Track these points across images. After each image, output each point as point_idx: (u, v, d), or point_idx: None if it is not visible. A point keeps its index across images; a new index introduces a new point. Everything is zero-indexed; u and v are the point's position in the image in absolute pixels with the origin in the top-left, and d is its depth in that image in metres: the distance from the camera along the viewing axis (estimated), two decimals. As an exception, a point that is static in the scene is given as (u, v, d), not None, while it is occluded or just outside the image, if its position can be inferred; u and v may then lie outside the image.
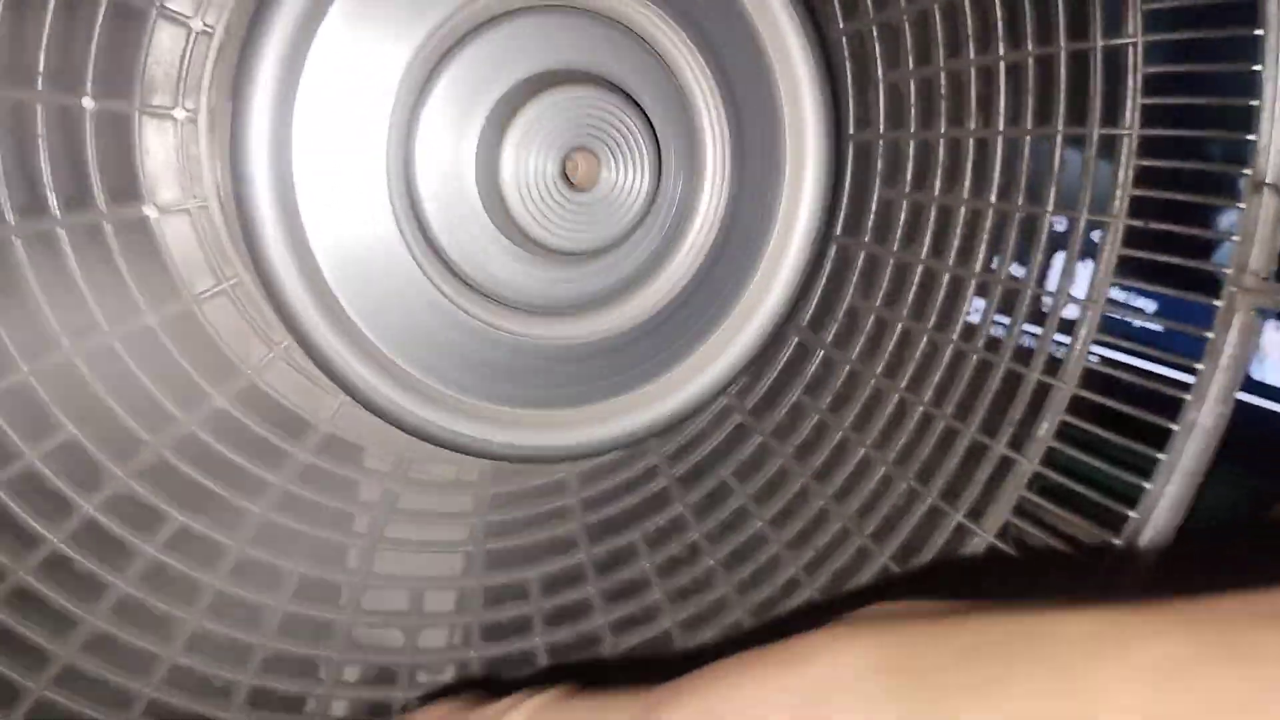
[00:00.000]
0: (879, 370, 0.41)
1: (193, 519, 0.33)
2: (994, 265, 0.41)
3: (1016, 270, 0.41)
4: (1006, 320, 0.41)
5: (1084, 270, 0.42)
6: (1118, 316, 0.42)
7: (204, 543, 0.33)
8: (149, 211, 0.30)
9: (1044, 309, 0.42)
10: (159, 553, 0.33)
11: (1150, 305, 0.48)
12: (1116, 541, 0.40)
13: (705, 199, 0.32)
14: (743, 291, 0.33)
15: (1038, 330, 0.41)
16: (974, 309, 0.41)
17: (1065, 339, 0.41)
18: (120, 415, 0.31)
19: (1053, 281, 0.41)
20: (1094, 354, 0.41)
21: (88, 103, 0.29)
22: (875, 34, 0.38)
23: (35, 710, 0.32)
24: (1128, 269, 0.41)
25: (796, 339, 0.40)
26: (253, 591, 0.35)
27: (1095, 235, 0.41)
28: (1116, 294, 0.42)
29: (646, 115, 0.29)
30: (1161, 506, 0.40)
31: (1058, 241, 0.41)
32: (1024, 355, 0.41)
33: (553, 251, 0.29)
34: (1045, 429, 0.41)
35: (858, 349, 0.40)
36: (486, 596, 0.39)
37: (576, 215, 0.29)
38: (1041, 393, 0.41)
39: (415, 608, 0.38)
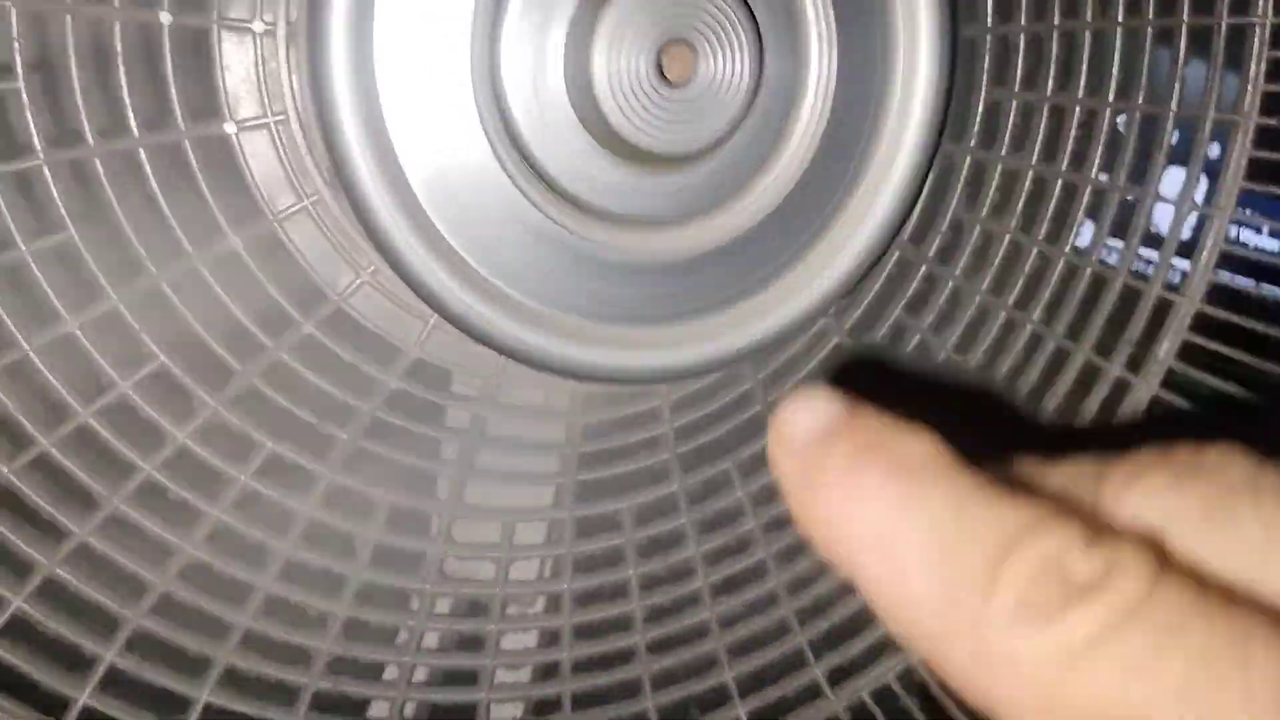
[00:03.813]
0: (985, 286, 0.38)
1: (283, 446, 0.32)
2: (1108, 176, 0.38)
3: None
4: (1120, 244, 0.38)
5: (1206, 184, 0.39)
6: (1245, 226, 0.39)
7: (295, 471, 0.33)
8: (229, 129, 0.29)
9: (1159, 231, 0.39)
10: (251, 480, 0.32)
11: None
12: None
13: (811, 92, 0.30)
14: (851, 197, 0.31)
15: (1154, 254, 0.38)
16: (1085, 229, 0.39)
17: (1186, 259, 0.39)
18: (210, 344, 0.31)
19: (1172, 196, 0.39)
20: (1219, 270, 0.38)
21: (165, 17, 0.28)
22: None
23: (134, 639, 0.32)
24: (1255, 177, 0.38)
25: (897, 253, 0.38)
26: (344, 520, 0.34)
27: (1214, 152, 0.38)
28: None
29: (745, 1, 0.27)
30: (1297, 427, 0.37)
31: (1176, 156, 0.38)
32: (1142, 271, 0.39)
33: (648, 155, 0.28)
34: (1166, 349, 0.39)
35: (962, 264, 0.38)
36: (578, 528, 0.38)
37: (673, 114, 0.27)
38: (1162, 309, 0.38)
39: (507, 540, 0.37)
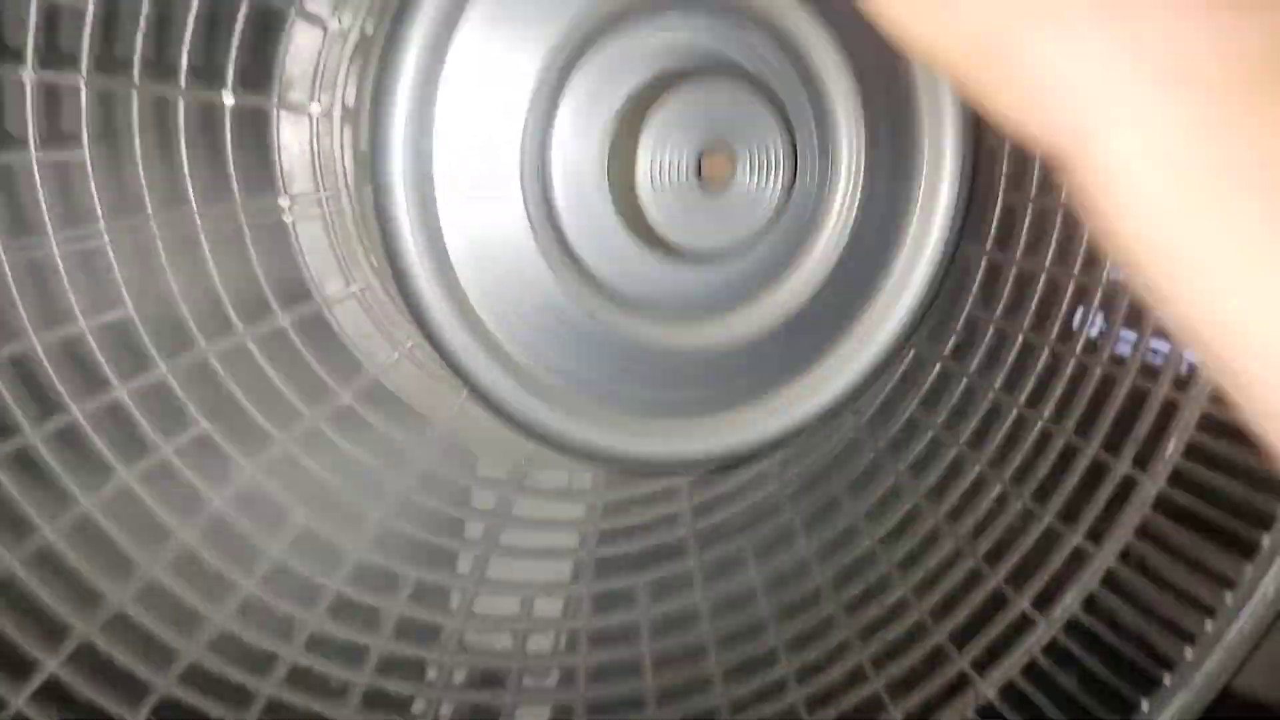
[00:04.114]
0: (998, 384, 0.40)
1: (316, 521, 0.33)
2: (1120, 275, 0.39)
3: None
4: (1133, 335, 0.39)
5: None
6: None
7: (326, 547, 0.34)
8: (284, 204, 0.30)
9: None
10: (283, 554, 0.33)
11: None
12: (1249, 567, 0.39)
13: (838, 202, 0.31)
14: (873, 299, 0.32)
15: (1165, 346, 0.40)
16: (1096, 323, 0.40)
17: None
18: (250, 412, 0.32)
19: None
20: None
21: (228, 98, 0.30)
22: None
23: (161, 705, 0.32)
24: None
25: (913, 350, 0.39)
26: (370, 594, 0.35)
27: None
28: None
29: (784, 113, 0.28)
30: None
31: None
32: (1150, 371, 0.40)
33: (682, 251, 0.29)
34: (1173, 446, 0.40)
35: (976, 361, 0.39)
36: (595, 603, 0.38)
37: (708, 216, 0.29)
38: (1170, 408, 0.40)
39: (525, 613, 0.38)
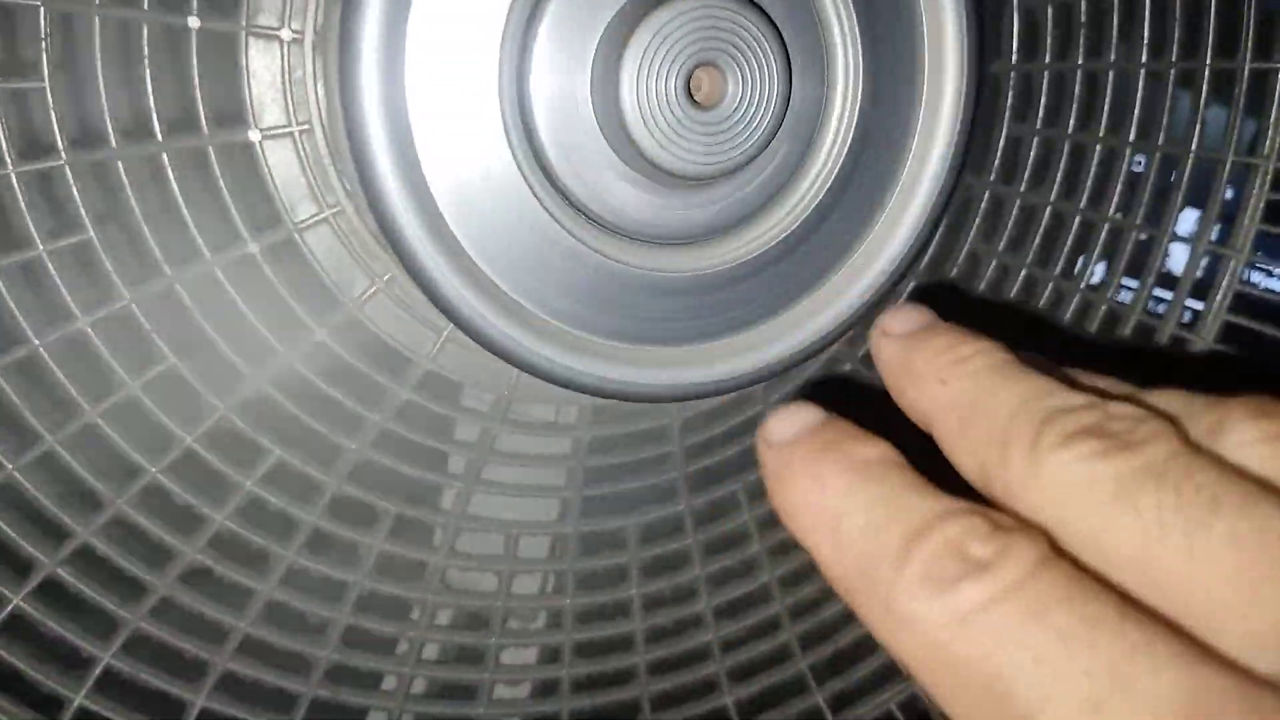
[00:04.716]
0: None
1: (290, 454, 0.32)
2: (1124, 215, 0.38)
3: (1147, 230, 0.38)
4: (1135, 283, 0.38)
5: (1219, 227, 0.39)
6: (1261, 271, 0.39)
7: (301, 479, 0.33)
8: (253, 135, 0.29)
9: (1172, 271, 0.39)
10: (256, 487, 0.32)
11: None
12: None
13: (835, 120, 0.30)
14: (870, 225, 0.31)
15: (1168, 295, 0.38)
16: (1099, 268, 0.39)
17: (1200, 300, 0.39)
18: (221, 347, 0.31)
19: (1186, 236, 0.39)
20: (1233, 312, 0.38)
21: (193, 22, 0.28)
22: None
23: (132, 641, 0.32)
24: (1272, 220, 0.38)
25: (913, 283, 0.38)
26: (348, 529, 0.34)
27: (1227, 195, 0.38)
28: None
29: (777, 29, 0.27)
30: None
31: (1192, 199, 0.38)
32: (1154, 310, 0.39)
33: (673, 176, 0.28)
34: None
35: (977, 295, 0.38)
36: (583, 544, 0.38)
37: (700, 137, 0.27)
38: (1175, 347, 0.38)
39: (510, 552, 0.37)
